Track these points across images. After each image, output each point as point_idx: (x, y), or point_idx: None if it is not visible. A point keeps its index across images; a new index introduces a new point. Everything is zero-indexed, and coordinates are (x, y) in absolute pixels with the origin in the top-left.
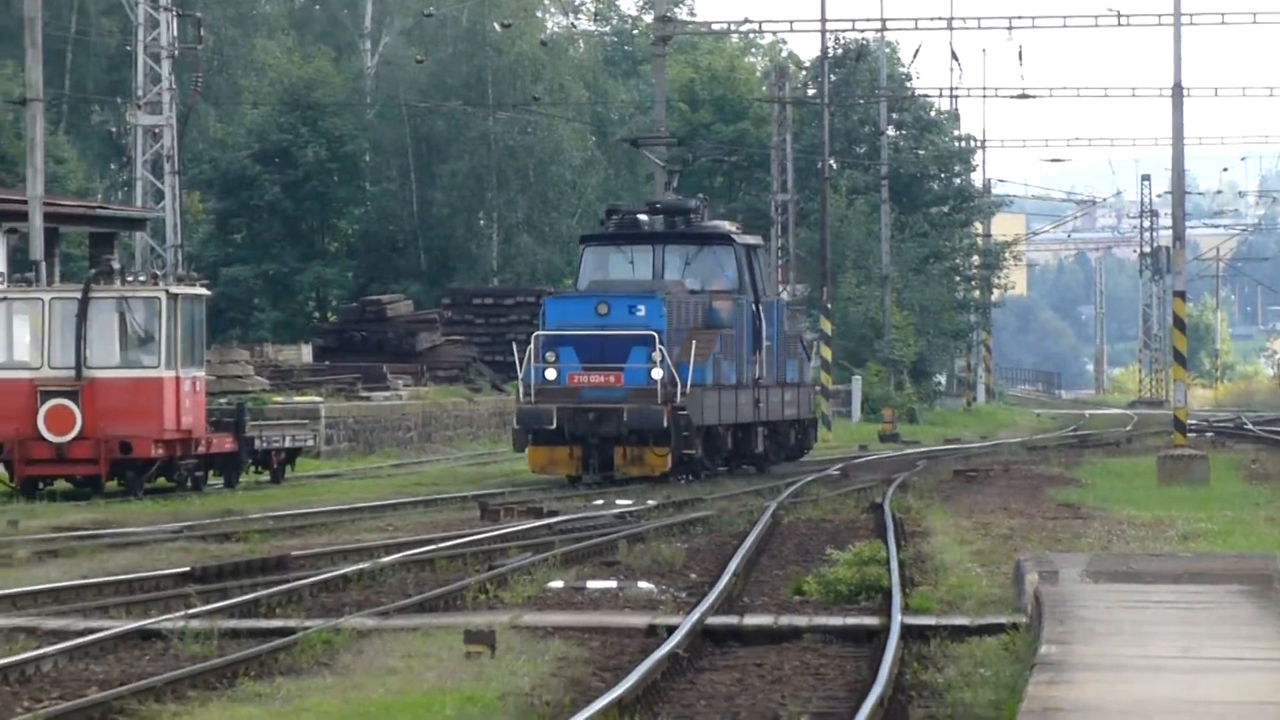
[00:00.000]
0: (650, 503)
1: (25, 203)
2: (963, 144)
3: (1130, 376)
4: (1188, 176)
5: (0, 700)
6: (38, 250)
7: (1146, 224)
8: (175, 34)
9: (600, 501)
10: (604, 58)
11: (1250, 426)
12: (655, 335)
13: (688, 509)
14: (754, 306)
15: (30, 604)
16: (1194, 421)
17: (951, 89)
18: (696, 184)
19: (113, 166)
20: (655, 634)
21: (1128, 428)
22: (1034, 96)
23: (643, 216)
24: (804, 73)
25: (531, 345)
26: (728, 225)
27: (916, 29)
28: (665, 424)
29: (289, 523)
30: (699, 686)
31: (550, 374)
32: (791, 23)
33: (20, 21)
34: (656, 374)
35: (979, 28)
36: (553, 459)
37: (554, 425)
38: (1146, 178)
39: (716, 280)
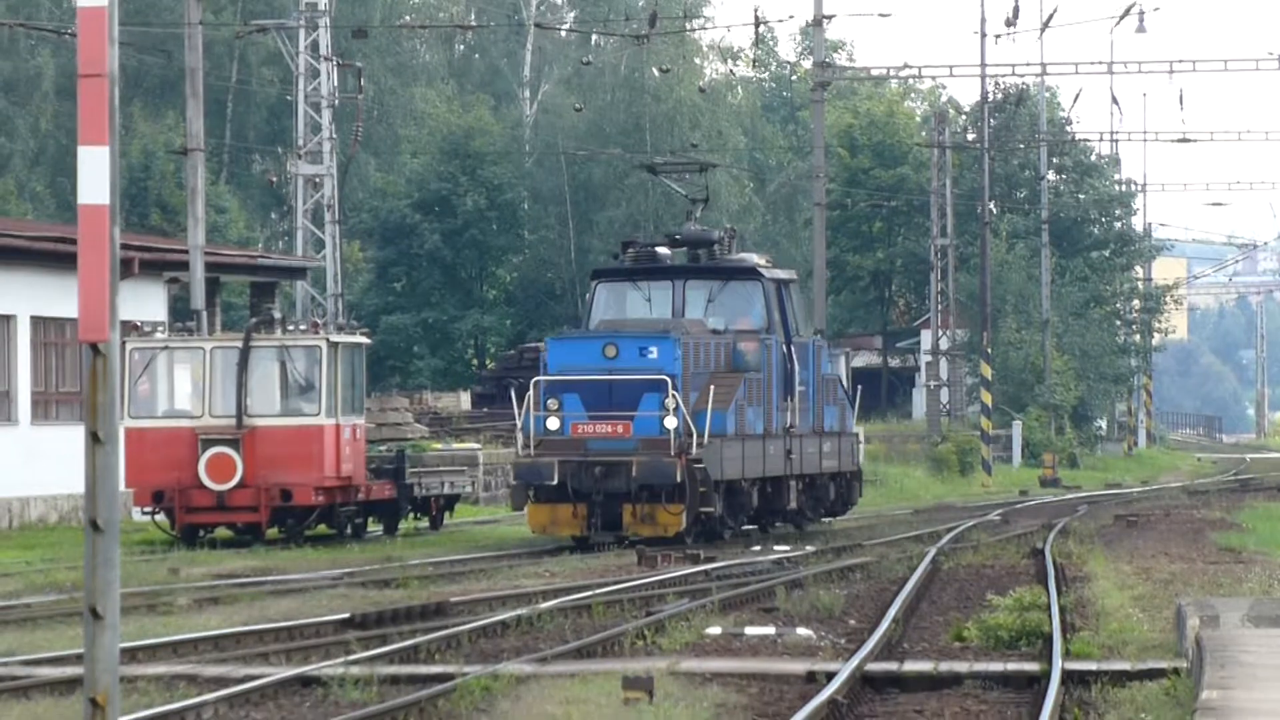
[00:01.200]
0: (808, 549)
1: (187, 252)
2: (1123, 188)
3: None
4: None
5: None
6: (199, 299)
7: None
8: (335, 84)
9: (758, 547)
10: (762, 104)
11: None
12: (669, 380)
13: (846, 555)
14: (785, 348)
15: (191, 651)
16: None
17: (1112, 133)
18: (855, 229)
19: (273, 215)
20: (814, 680)
21: None
22: (1195, 140)
23: (662, 249)
24: (963, 118)
25: (531, 392)
26: (756, 258)
27: (1076, 74)
28: (679, 478)
29: (447, 569)
30: None
31: (552, 423)
32: (951, 68)
33: (182, 72)
34: (670, 423)
35: (1139, 72)
36: (555, 518)
37: (555, 481)
38: None
39: (742, 319)
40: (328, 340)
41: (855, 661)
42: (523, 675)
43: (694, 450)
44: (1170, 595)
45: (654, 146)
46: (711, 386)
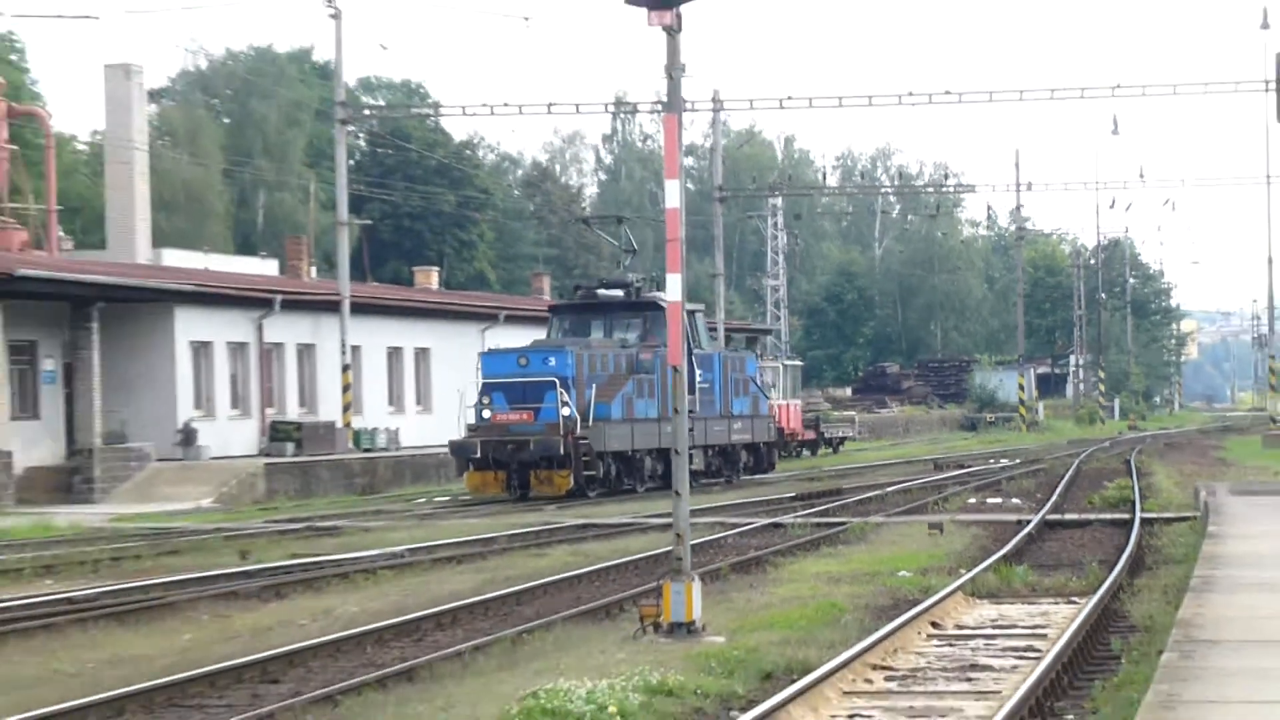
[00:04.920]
0: (1016, 460)
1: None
2: None
3: None
4: None
5: (706, 557)
6: (721, 346)
7: None
8: (784, 240)
9: (992, 459)
10: None
11: None
12: (557, 380)
13: (1035, 463)
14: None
15: (721, 513)
16: None
17: None
18: None
19: (756, 305)
20: (1021, 525)
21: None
22: None
23: (603, 290)
24: None
25: (474, 392)
26: (664, 295)
27: None
28: (563, 451)
29: (840, 472)
30: (1043, 548)
31: (486, 414)
32: None
33: (708, 232)
34: (565, 410)
35: None
36: (484, 482)
37: (479, 455)
38: None
39: (651, 337)
40: (783, 364)
41: (1041, 514)
42: (879, 523)
43: (578, 430)
44: (1192, 481)
45: None
46: (594, 385)
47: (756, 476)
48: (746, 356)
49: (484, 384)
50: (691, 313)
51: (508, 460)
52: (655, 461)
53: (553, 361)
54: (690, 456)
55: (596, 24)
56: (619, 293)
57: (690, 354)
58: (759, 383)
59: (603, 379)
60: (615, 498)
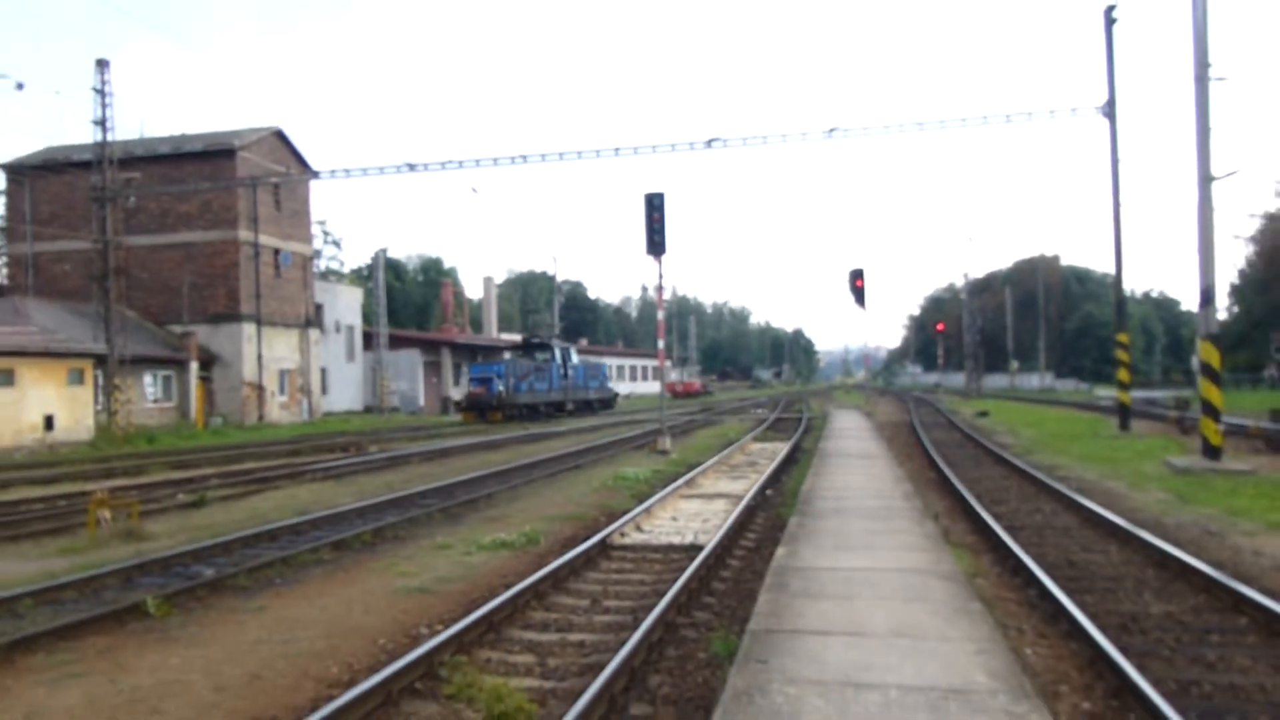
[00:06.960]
0: (768, 399)
1: None
2: None
3: None
4: None
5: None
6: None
7: None
8: (695, 331)
9: (760, 400)
10: None
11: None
12: (496, 375)
13: (775, 399)
14: (562, 365)
15: (671, 418)
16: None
17: None
18: None
19: (686, 355)
20: (769, 419)
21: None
22: None
23: (533, 339)
24: None
25: (465, 380)
26: (555, 341)
27: None
28: (497, 404)
29: (712, 402)
30: (777, 426)
31: (468, 390)
32: None
33: (672, 328)
34: (500, 388)
35: None
36: (469, 417)
37: (466, 406)
38: None
39: (548, 359)
40: (697, 368)
41: (775, 413)
42: (726, 419)
43: (506, 395)
44: (822, 403)
45: None
46: (512, 375)
47: (604, 412)
48: (600, 364)
49: (470, 376)
50: (567, 348)
51: (477, 408)
52: (547, 408)
53: (496, 368)
54: (566, 404)
55: (637, 254)
56: (538, 339)
57: (566, 364)
58: (605, 376)
59: (520, 374)
60: (531, 422)
